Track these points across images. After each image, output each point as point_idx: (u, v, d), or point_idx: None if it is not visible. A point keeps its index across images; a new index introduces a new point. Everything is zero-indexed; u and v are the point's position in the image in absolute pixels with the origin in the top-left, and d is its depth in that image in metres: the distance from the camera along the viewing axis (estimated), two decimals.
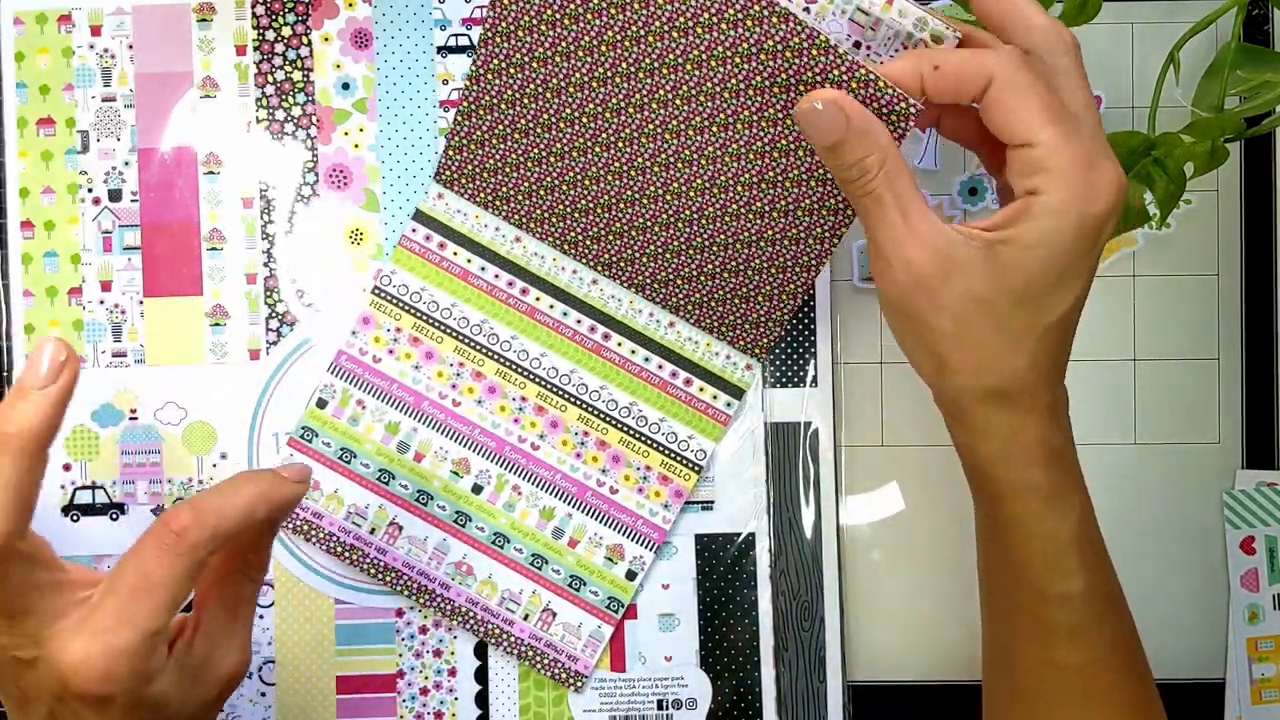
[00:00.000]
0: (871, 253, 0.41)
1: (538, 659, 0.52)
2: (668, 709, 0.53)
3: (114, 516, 0.53)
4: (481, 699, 0.53)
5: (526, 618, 0.52)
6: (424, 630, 0.53)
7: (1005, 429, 0.40)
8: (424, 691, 0.53)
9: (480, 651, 0.53)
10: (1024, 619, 0.42)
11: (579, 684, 0.52)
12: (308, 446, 0.52)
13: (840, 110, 0.39)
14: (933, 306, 0.39)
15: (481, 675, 0.53)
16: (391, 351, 0.52)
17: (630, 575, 0.52)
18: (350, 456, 0.52)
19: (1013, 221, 0.38)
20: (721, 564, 0.53)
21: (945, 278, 0.39)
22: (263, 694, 0.53)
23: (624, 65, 0.46)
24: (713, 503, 0.53)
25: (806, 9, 0.43)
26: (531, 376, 0.52)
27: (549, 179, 0.49)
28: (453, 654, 0.53)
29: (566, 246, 0.51)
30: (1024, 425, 0.40)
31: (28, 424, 0.36)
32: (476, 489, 0.52)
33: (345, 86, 0.53)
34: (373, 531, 0.52)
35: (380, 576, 0.52)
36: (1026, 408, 0.40)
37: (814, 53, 0.41)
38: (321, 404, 0.52)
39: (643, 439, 0.52)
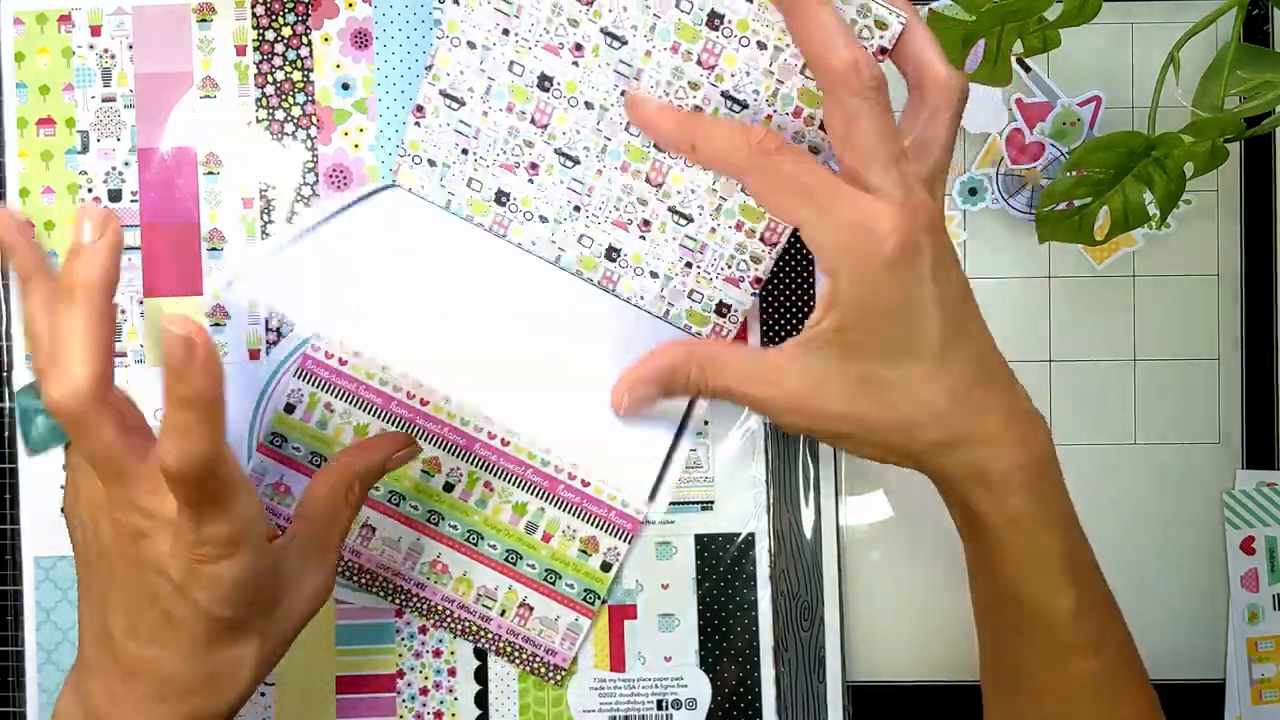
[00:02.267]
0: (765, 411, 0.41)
1: (516, 654, 0.52)
2: (667, 709, 0.53)
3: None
4: (481, 699, 0.53)
5: (503, 613, 0.52)
6: (424, 630, 0.53)
7: (973, 470, 0.40)
8: (424, 691, 0.53)
9: (480, 651, 0.53)
10: (1032, 640, 0.42)
11: (558, 677, 0.52)
12: (277, 452, 0.52)
13: (641, 382, 0.42)
14: (826, 425, 0.40)
15: (481, 675, 0.53)
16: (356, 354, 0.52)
17: (605, 567, 0.52)
18: (320, 460, 0.52)
19: (820, 318, 0.39)
20: (721, 564, 0.53)
21: (821, 400, 0.40)
22: (262, 694, 0.53)
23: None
24: (713, 503, 0.53)
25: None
26: None
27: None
28: (453, 654, 0.53)
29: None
30: (987, 458, 0.40)
31: (89, 275, 0.38)
32: (448, 487, 0.52)
33: (345, 86, 0.53)
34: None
35: (355, 579, 0.52)
36: (978, 441, 0.40)
37: None
38: (289, 409, 0.52)
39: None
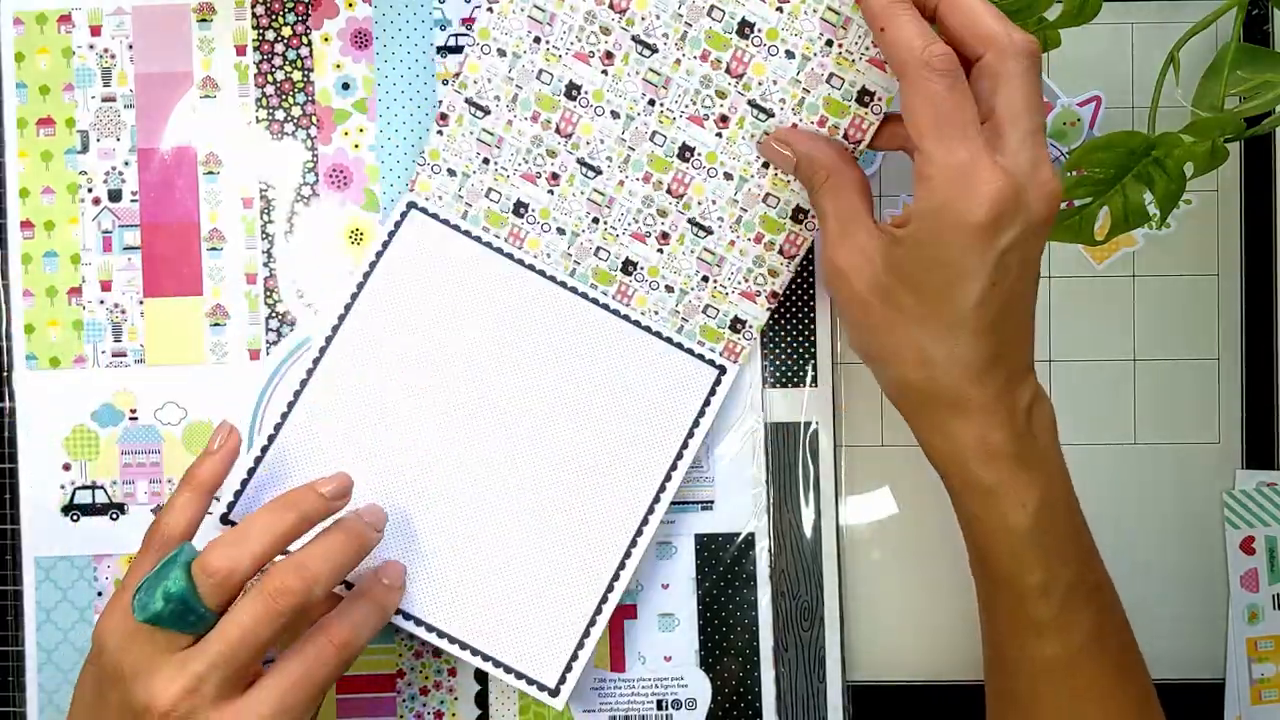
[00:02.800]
0: (819, 262, 0.45)
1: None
2: (667, 709, 0.53)
3: (114, 516, 0.53)
4: (481, 699, 0.53)
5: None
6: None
7: (941, 426, 0.42)
8: (424, 691, 0.53)
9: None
10: (1002, 614, 0.43)
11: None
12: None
13: (787, 144, 0.46)
14: (851, 299, 0.43)
15: (481, 675, 0.53)
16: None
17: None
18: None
19: (906, 220, 0.41)
20: (721, 564, 0.53)
21: (858, 271, 0.42)
22: None
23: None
24: (713, 503, 0.53)
25: (779, 8, 0.44)
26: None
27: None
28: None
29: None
30: (958, 422, 0.42)
31: (208, 475, 0.46)
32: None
33: (345, 86, 0.53)
34: None
35: None
36: (955, 405, 0.42)
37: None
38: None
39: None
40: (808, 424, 0.53)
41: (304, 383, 0.50)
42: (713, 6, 0.45)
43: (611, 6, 0.46)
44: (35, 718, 0.53)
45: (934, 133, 0.39)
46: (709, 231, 0.49)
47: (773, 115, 0.47)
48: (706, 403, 0.51)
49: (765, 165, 0.48)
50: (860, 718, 0.54)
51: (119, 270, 0.53)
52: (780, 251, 0.49)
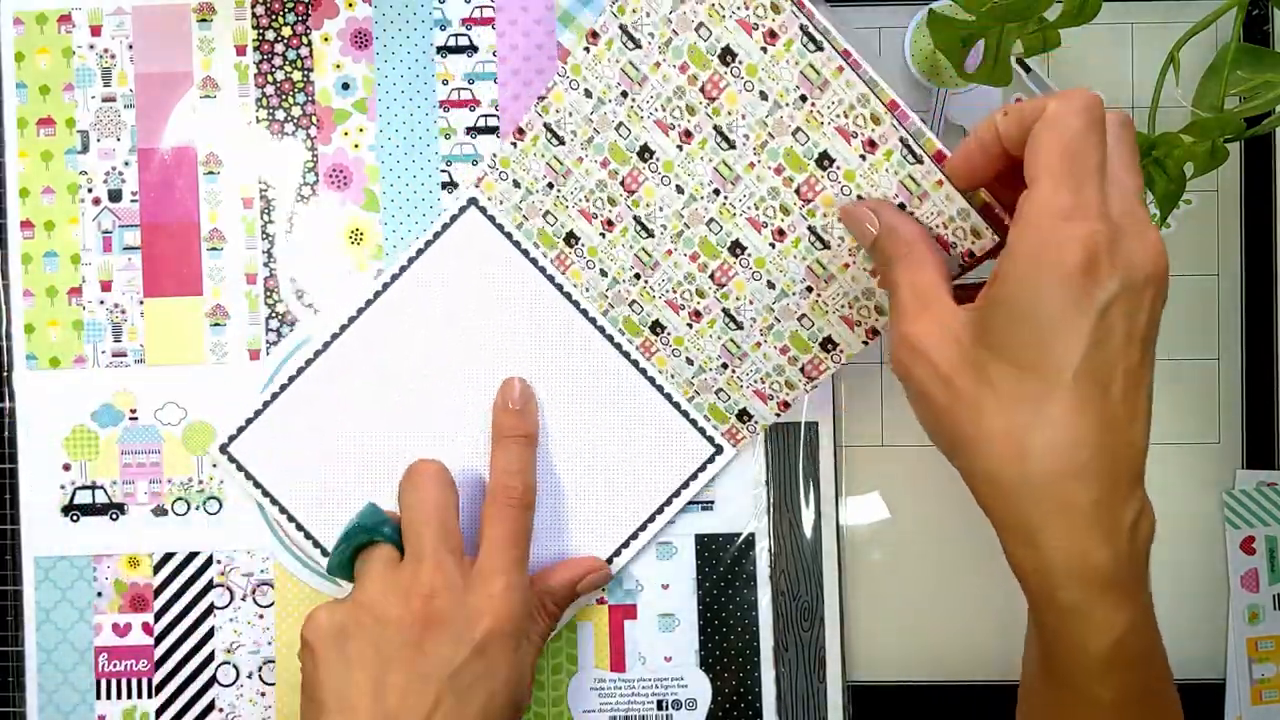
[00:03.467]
0: (890, 340, 0.41)
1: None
2: (667, 709, 0.53)
3: (114, 516, 0.53)
4: None
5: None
6: None
7: (1032, 534, 0.36)
8: None
9: None
10: (1062, 703, 0.40)
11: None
12: None
13: (875, 213, 0.43)
14: (930, 377, 0.38)
15: None
16: None
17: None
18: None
19: (992, 280, 0.37)
20: (721, 564, 0.53)
21: (940, 347, 0.38)
22: (262, 694, 0.53)
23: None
24: (713, 503, 0.53)
25: (863, 156, 0.45)
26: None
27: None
28: None
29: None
30: (1053, 532, 0.36)
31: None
32: None
33: (345, 86, 0.53)
34: None
35: None
36: (1053, 509, 0.36)
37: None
38: None
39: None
40: (808, 424, 0.53)
41: (332, 339, 0.52)
42: (799, 129, 0.46)
43: (703, 90, 0.47)
44: (35, 718, 0.53)
45: (1052, 169, 0.36)
46: (739, 326, 0.50)
47: (829, 247, 0.47)
48: (694, 476, 0.52)
49: (809, 289, 0.48)
50: (860, 718, 0.54)
51: (119, 270, 0.53)
52: (802, 370, 0.50)
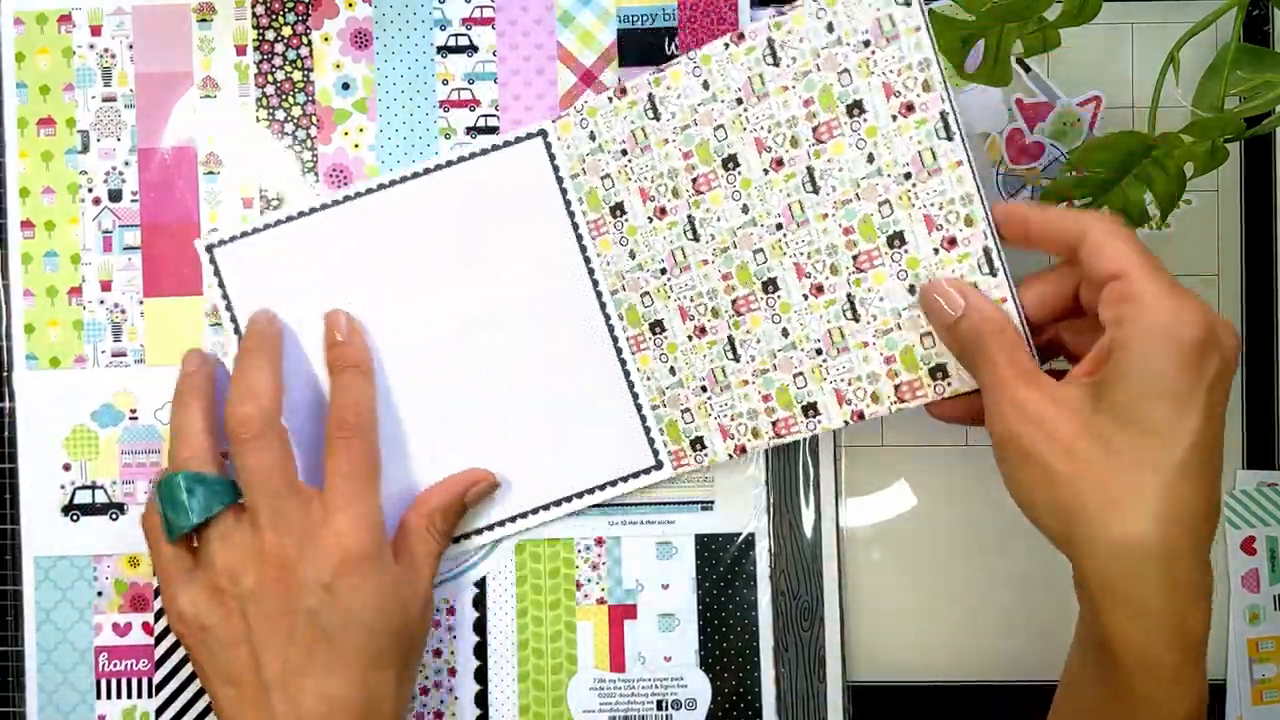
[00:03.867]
0: (986, 404, 0.42)
1: None
2: (667, 709, 0.53)
3: (114, 516, 0.53)
4: (481, 699, 0.53)
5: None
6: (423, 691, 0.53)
7: (1145, 599, 0.37)
8: (424, 691, 0.53)
9: (480, 651, 0.53)
10: None
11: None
12: None
13: (962, 293, 0.44)
14: (1048, 445, 0.39)
15: (481, 675, 0.53)
16: None
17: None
18: None
19: (1107, 354, 0.39)
20: (721, 564, 0.53)
21: (1057, 417, 0.39)
22: None
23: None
24: (713, 503, 0.53)
25: (936, 250, 0.46)
26: None
27: None
28: (453, 654, 0.53)
29: None
30: (1164, 595, 0.37)
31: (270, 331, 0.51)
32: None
33: (345, 86, 0.53)
34: None
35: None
36: (1170, 570, 0.37)
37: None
38: None
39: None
40: None
41: (343, 200, 0.52)
42: (888, 202, 0.46)
43: (815, 130, 0.47)
44: (35, 718, 0.53)
45: (1136, 261, 0.39)
46: (735, 359, 0.49)
47: (857, 320, 0.47)
48: (623, 479, 0.52)
49: (818, 351, 0.48)
50: (860, 718, 0.54)
51: (119, 270, 0.53)
52: (774, 423, 0.50)
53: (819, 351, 0.48)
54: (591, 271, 0.51)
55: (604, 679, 0.53)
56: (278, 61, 0.53)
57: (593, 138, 0.50)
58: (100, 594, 0.53)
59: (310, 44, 0.53)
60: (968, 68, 0.47)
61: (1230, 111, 0.45)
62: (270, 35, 0.53)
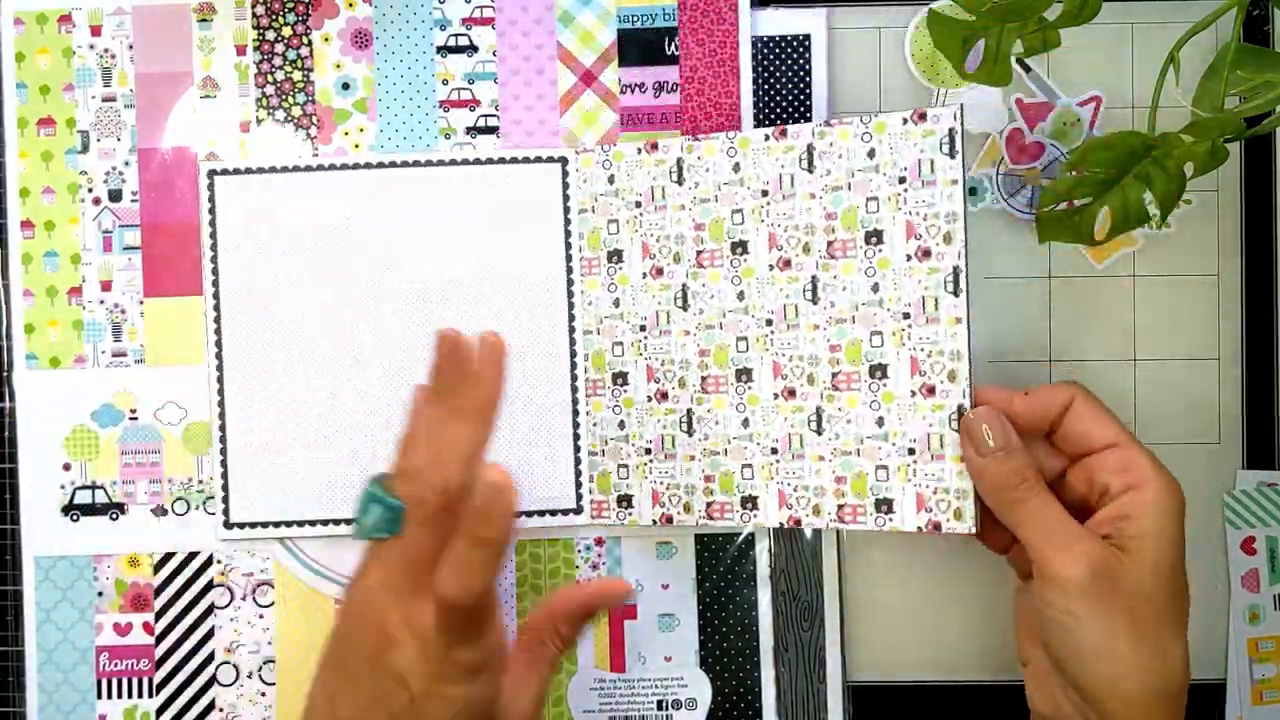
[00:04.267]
0: (1035, 554, 0.43)
1: None
2: (667, 709, 0.53)
3: (114, 516, 0.53)
4: None
5: None
6: None
7: None
8: None
9: None
10: None
11: None
12: None
13: (1002, 422, 0.44)
14: (1102, 606, 0.42)
15: None
16: None
17: None
18: None
19: (1128, 517, 0.43)
20: (721, 564, 0.53)
21: (1108, 576, 0.42)
22: (263, 694, 0.53)
23: None
24: None
25: (913, 394, 0.46)
26: None
27: None
28: None
29: None
30: None
31: (488, 397, 0.41)
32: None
33: (345, 86, 0.53)
34: None
35: None
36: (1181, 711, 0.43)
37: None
38: None
39: None
40: None
41: (342, 166, 0.52)
42: (880, 334, 0.46)
43: (830, 244, 0.47)
44: (35, 718, 0.53)
45: (1123, 426, 0.44)
46: (689, 433, 0.49)
47: (819, 434, 0.47)
48: (538, 514, 0.52)
49: (773, 450, 0.48)
50: (860, 718, 0.54)
51: (119, 270, 0.53)
52: (709, 506, 0.50)
53: (774, 451, 0.48)
54: (571, 306, 0.51)
55: (604, 679, 0.53)
56: (278, 61, 0.53)
57: (611, 181, 0.50)
58: (100, 594, 0.53)
59: (310, 44, 0.53)
60: (968, 68, 0.47)
61: (1230, 111, 0.45)
62: (270, 35, 0.53)
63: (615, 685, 0.53)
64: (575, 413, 0.52)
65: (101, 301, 0.53)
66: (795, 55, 0.53)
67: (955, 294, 0.45)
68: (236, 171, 0.52)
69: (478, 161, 0.52)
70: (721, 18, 0.52)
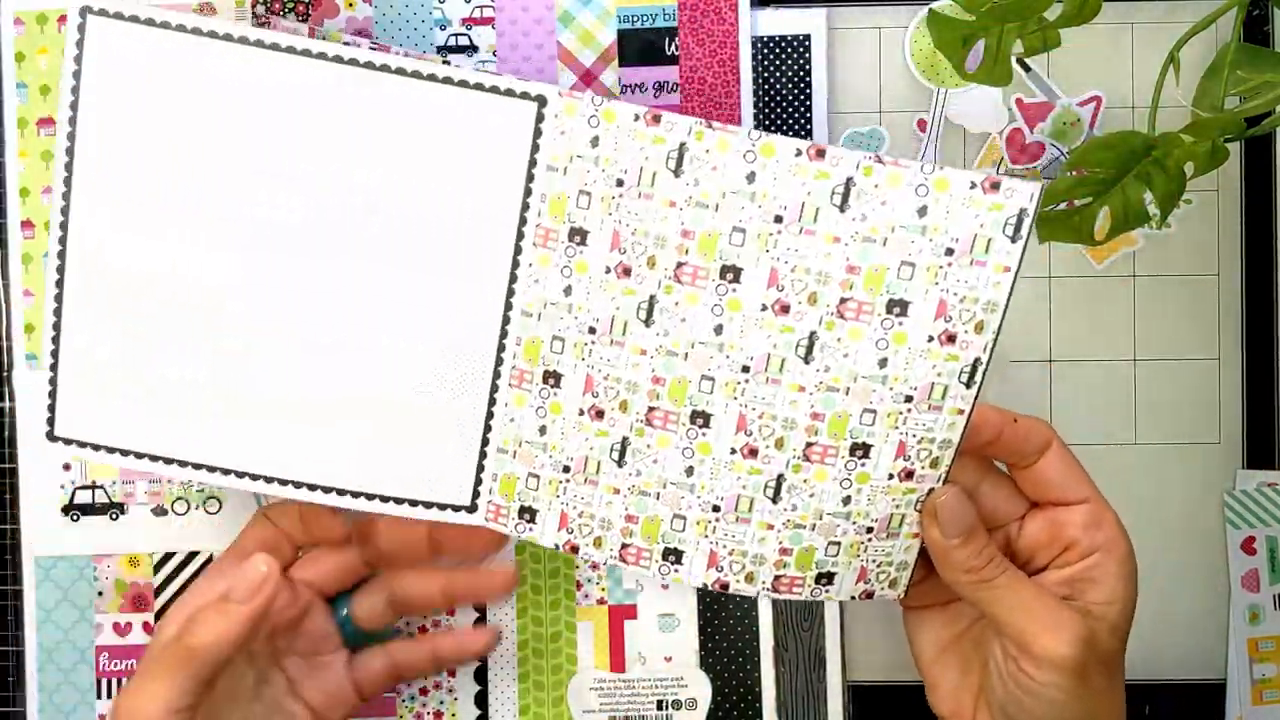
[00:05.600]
0: (1013, 632, 0.41)
1: None
2: (667, 709, 0.53)
3: (114, 516, 0.53)
4: (481, 699, 0.53)
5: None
6: (423, 630, 0.53)
7: None
8: (424, 692, 0.53)
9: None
10: None
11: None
12: None
13: (966, 505, 0.42)
14: (1085, 678, 0.41)
15: (481, 675, 0.53)
16: None
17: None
18: None
19: (1095, 581, 0.43)
20: None
21: (1090, 648, 0.41)
22: None
23: None
24: None
25: (891, 475, 0.42)
26: None
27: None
28: None
29: None
30: None
31: (212, 637, 0.43)
32: None
33: None
34: None
35: None
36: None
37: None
38: None
39: None
40: None
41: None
42: (873, 413, 0.41)
43: (843, 303, 0.40)
44: (35, 718, 0.53)
45: (1093, 483, 0.44)
46: (619, 464, 0.43)
47: (774, 502, 0.42)
48: (429, 506, 0.46)
49: (715, 509, 0.43)
50: (860, 718, 0.54)
51: None
52: (623, 549, 0.44)
53: (716, 509, 0.42)
54: (514, 279, 0.43)
55: (604, 679, 0.53)
56: None
57: (594, 144, 0.41)
58: (101, 594, 0.53)
59: None
60: (968, 68, 0.47)
61: (1230, 111, 0.45)
62: None
63: (615, 685, 0.53)
64: (491, 401, 0.44)
65: None
66: (795, 55, 0.53)
67: (968, 386, 0.40)
68: (123, 17, 0.42)
69: (434, 79, 0.43)
70: (721, 18, 0.52)
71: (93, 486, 0.53)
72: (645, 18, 0.53)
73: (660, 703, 0.53)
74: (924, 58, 0.53)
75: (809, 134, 0.53)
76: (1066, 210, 0.48)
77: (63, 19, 0.53)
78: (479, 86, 0.43)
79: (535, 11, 0.53)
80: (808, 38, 0.53)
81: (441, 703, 0.53)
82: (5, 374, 0.53)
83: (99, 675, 0.53)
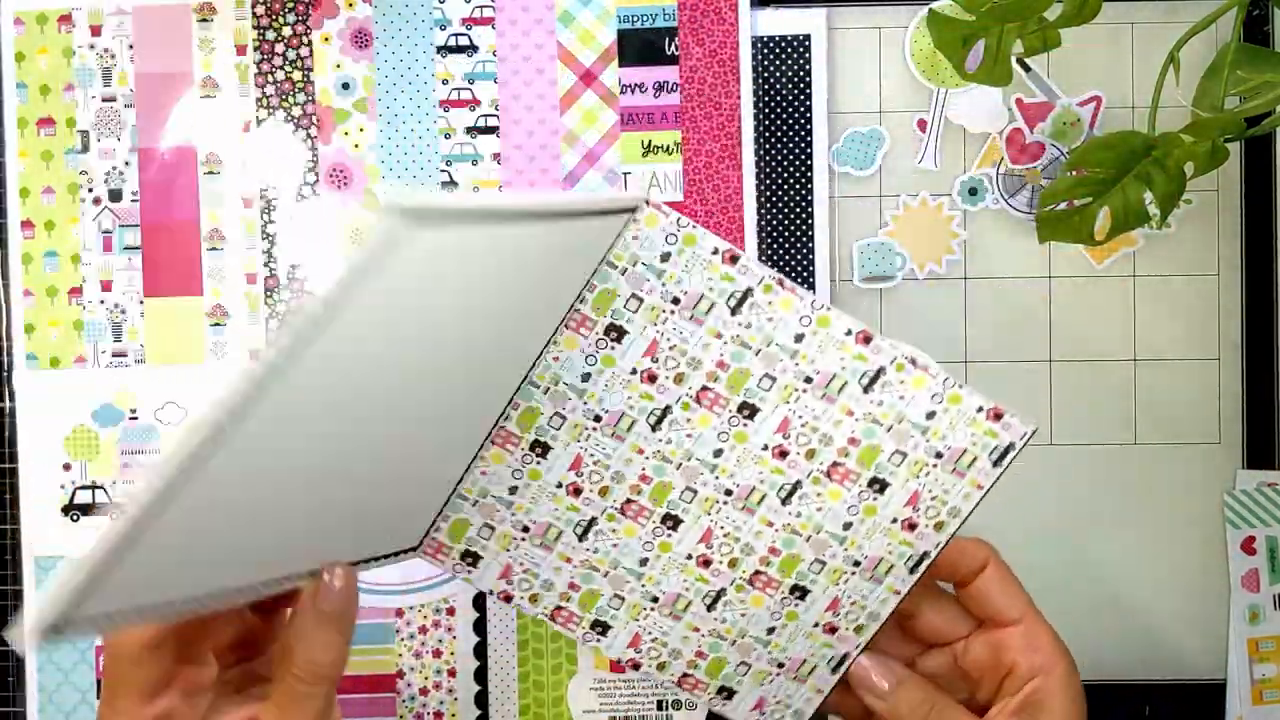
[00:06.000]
0: None
1: None
2: (667, 709, 0.53)
3: (114, 516, 0.53)
4: (481, 699, 0.53)
5: None
6: (424, 630, 0.53)
7: None
8: (424, 692, 0.53)
9: (480, 651, 0.53)
10: None
11: None
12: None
13: (887, 663, 0.44)
14: None
15: (481, 675, 0.53)
16: None
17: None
18: None
19: (1041, 705, 0.42)
20: None
21: None
22: None
23: None
24: None
25: (869, 581, 0.44)
26: None
27: None
28: (452, 654, 0.53)
29: None
30: None
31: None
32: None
33: (345, 86, 0.53)
34: None
35: None
36: None
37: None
38: None
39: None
40: None
41: None
42: (820, 562, 0.45)
43: (831, 468, 0.44)
44: (35, 717, 0.53)
45: (1026, 603, 0.43)
46: (580, 538, 0.45)
47: (675, 619, 0.45)
48: (372, 559, 0.42)
49: (654, 599, 0.45)
50: None
51: (119, 270, 0.53)
52: (556, 610, 0.45)
53: (655, 600, 0.45)
54: (541, 351, 0.43)
55: (604, 679, 0.53)
56: (278, 61, 0.53)
57: (664, 259, 0.43)
58: None
59: (310, 44, 0.53)
60: (968, 68, 0.47)
61: (1230, 111, 0.45)
62: (270, 35, 0.53)
63: (615, 685, 0.53)
64: (472, 457, 0.44)
65: (101, 301, 0.53)
66: (795, 55, 0.53)
67: (911, 572, 0.44)
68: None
69: (556, 215, 0.38)
70: (721, 18, 0.52)
71: (93, 486, 0.53)
72: (645, 17, 0.53)
73: (660, 703, 0.53)
74: (924, 58, 0.53)
75: (809, 134, 0.53)
76: (1066, 210, 0.48)
77: (63, 19, 0.53)
78: (586, 213, 0.40)
79: (535, 11, 0.53)
80: (808, 38, 0.53)
81: (441, 703, 0.53)
82: (5, 374, 0.53)
83: (99, 675, 0.53)
